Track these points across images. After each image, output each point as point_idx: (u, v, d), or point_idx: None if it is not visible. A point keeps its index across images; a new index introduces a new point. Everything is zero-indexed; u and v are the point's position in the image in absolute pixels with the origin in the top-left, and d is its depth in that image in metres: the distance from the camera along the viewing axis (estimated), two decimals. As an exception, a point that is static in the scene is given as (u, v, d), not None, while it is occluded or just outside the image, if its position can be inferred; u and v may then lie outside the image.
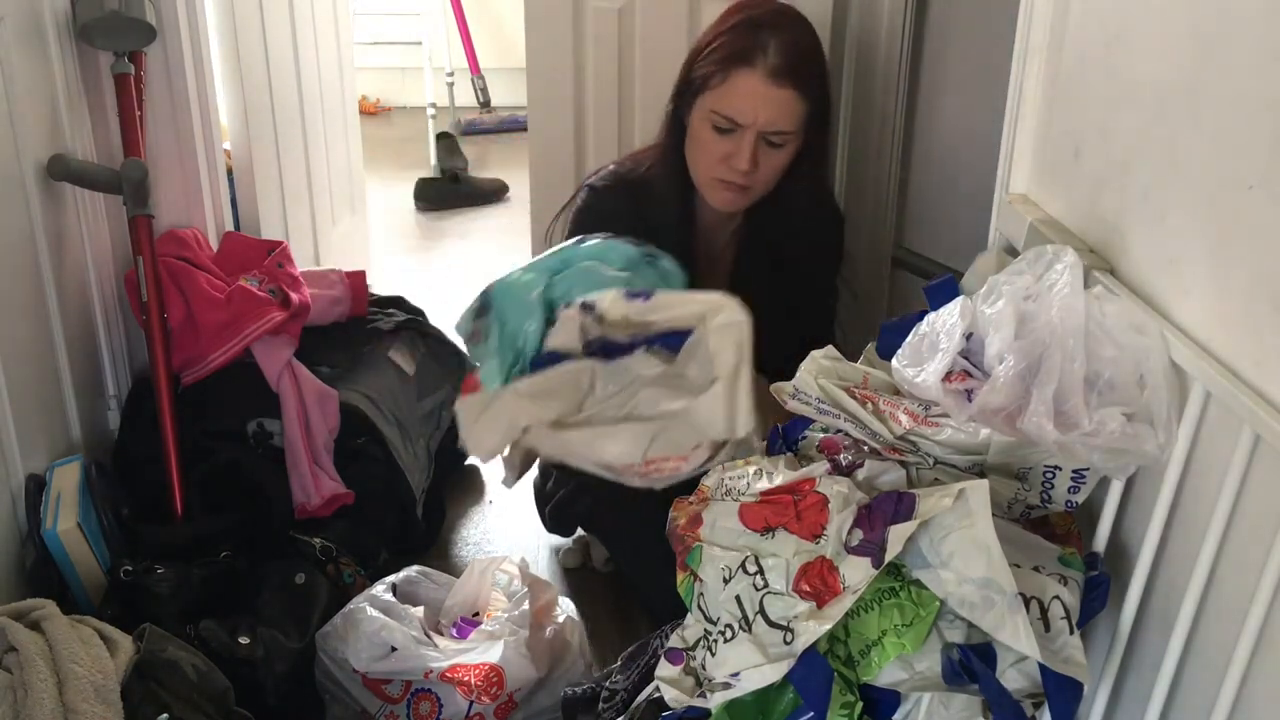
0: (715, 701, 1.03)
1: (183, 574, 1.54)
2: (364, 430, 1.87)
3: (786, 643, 0.99)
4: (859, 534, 0.99)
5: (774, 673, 0.98)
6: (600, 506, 1.79)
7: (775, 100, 1.49)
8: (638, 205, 1.63)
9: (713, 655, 1.04)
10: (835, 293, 1.79)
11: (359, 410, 1.87)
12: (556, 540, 2.02)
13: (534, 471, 2.01)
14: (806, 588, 0.99)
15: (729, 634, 1.03)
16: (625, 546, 1.81)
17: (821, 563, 1.00)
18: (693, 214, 1.68)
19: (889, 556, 0.96)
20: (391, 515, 1.90)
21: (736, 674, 1.01)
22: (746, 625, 1.02)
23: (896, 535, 0.96)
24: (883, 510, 0.99)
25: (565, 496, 1.85)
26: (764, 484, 1.07)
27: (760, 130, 1.50)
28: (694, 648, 1.08)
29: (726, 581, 1.04)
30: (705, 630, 1.06)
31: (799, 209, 1.64)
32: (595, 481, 1.76)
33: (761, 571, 1.02)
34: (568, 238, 1.62)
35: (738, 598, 1.03)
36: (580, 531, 1.99)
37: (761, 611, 1.01)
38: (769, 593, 1.01)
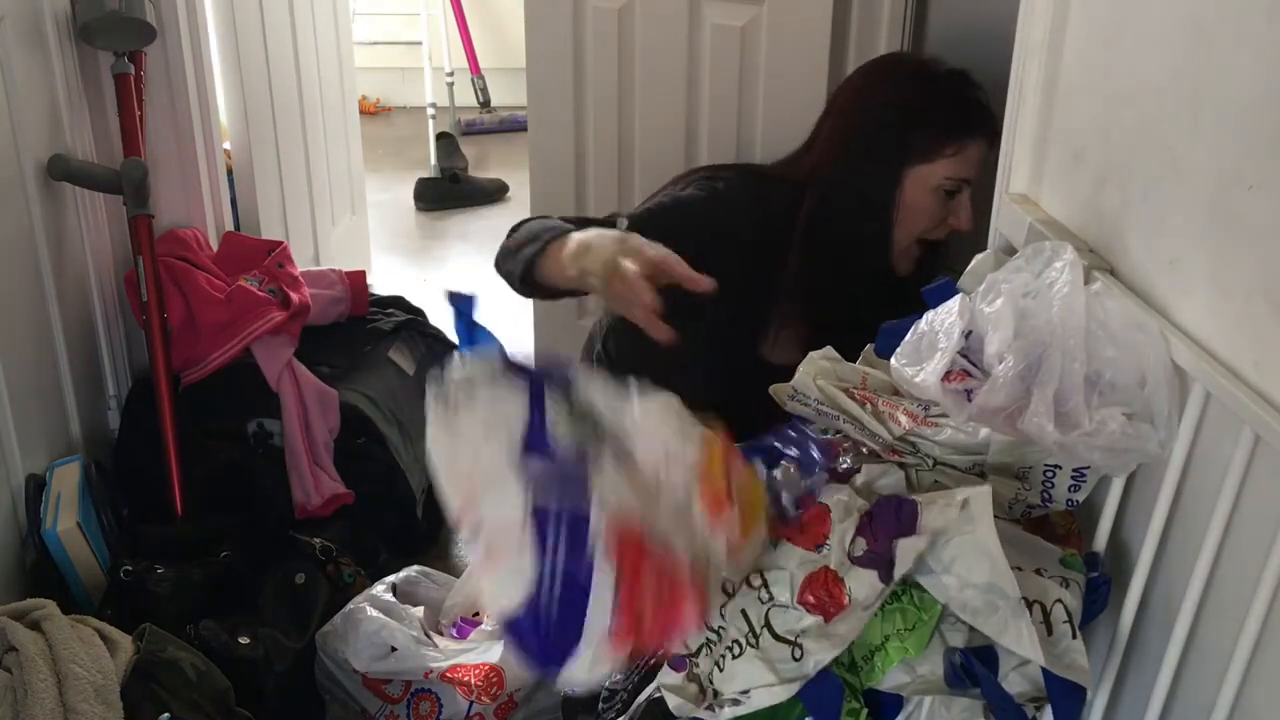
0: (724, 717, 1.02)
1: (183, 574, 1.54)
2: (364, 430, 1.87)
3: (795, 659, 0.98)
4: (862, 543, 0.98)
5: (784, 692, 0.98)
6: None
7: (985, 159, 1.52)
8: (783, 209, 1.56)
9: (721, 671, 1.03)
10: None
11: (359, 410, 1.87)
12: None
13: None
14: (811, 599, 0.99)
15: (736, 650, 1.02)
16: None
17: (825, 573, 0.99)
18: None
19: (899, 572, 0.95)
20: (391, 515, 1.90)
21: (746, 691, 1.00)
22: (754, 640, 1.01)
23: (905, 551, 0.95)
24: (884, 518, 0.98)
25: None
26: None
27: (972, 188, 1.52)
28: (697, 654, 1.08)
29: (728, 595, 1.03)
30: (708, 639, 1.06)
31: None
32: None
33: (765, 585, 1.01)
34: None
35: (744, 612, 1.02)
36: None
37: (768, 625, 1.00)
38: (774, 606, 1.00)
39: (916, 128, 1.50)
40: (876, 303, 1.42)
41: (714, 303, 1.48)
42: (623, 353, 1.66)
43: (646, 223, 1.44)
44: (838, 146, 1.56)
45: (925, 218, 1.53)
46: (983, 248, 1.29)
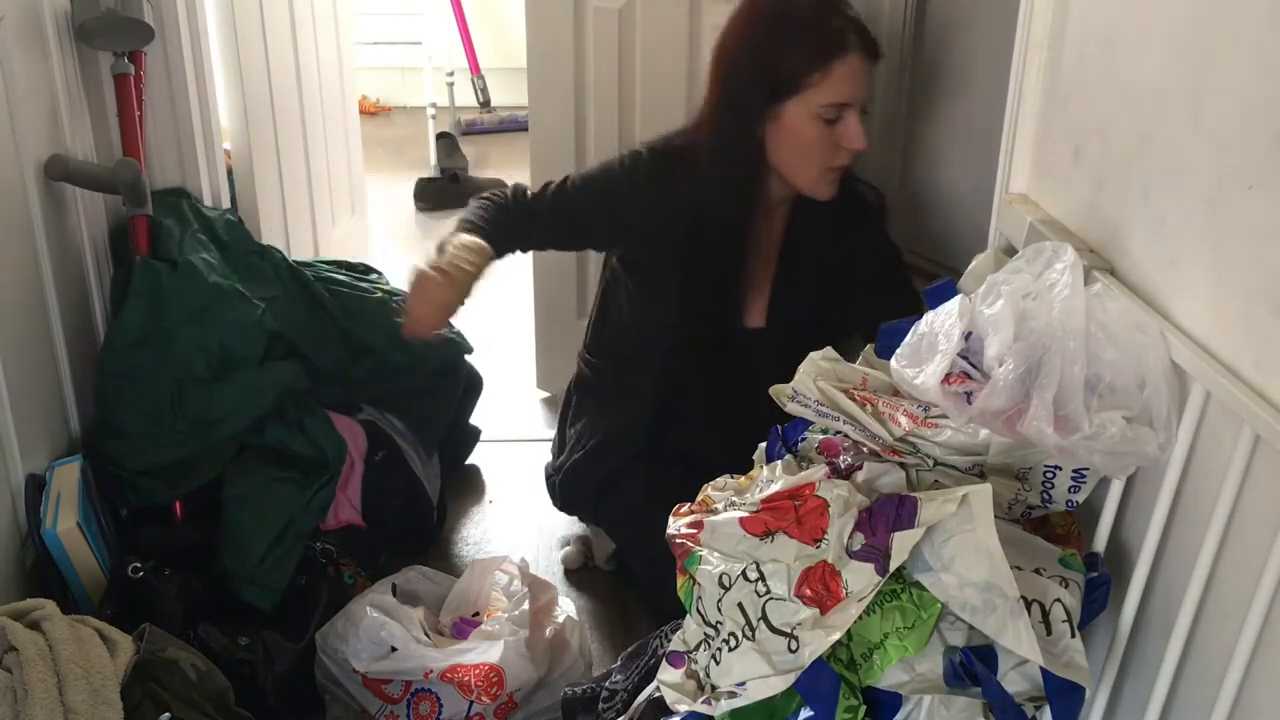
0: (720, 710, 1.02)
1: (189, 575, 1.54)
2: (382, 445, 1.88)
3: (791, 651, 0.99)
4: (860, 538, 0.99)
5: (781, 683, 0.98)
6: (606, 495, 1.79)
7: (867, 74, 1.55)
8: (686, 180, 1.63)
9: (717, 663, 1.04)
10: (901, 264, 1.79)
11: (375, 426, 1.89)
12: (557, 540, 2.02)
13: (547, 455, 2.00)
14: (809, 593, 0.99)
15: (733, 642, 1.02)
16: (630, 537, 1.81)
17: (823, 567, 0.99)
18: (753, 217, 1.66)
19: (894, 564, 0.95)
20: (411, 521, 1.93)
21: (742, 683, 1.00)
22: (750, 633, 1.01)
23: (901, 542, 0.95)
24: (884, 514, 0.99)
25: (577, 463, 1.82)
26: (765, 493, 1.08)
27: (860, 106, 1.55)
28: (695, 650, 1.08)
29: (725, 588, 1.03)
30: (706, 635, 1.06)
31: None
32: (600, 468, 1.76)
33: (763, 578, 1.02)
34: (605, 184, 1.68)
35: (740, 605, 1.02)
36: (582, 529, 1.99)
37: (764, 618, 1.00)
38: (771, 598, 1.01)
39: (775, 66, 1.53)
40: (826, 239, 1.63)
41: (684, 275, 1.64)
42: (616, 328, 1.77)
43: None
44: (710, 105, 1.62)
45: (816, 148, 1.56)
46: (978, 243, 1.29)
